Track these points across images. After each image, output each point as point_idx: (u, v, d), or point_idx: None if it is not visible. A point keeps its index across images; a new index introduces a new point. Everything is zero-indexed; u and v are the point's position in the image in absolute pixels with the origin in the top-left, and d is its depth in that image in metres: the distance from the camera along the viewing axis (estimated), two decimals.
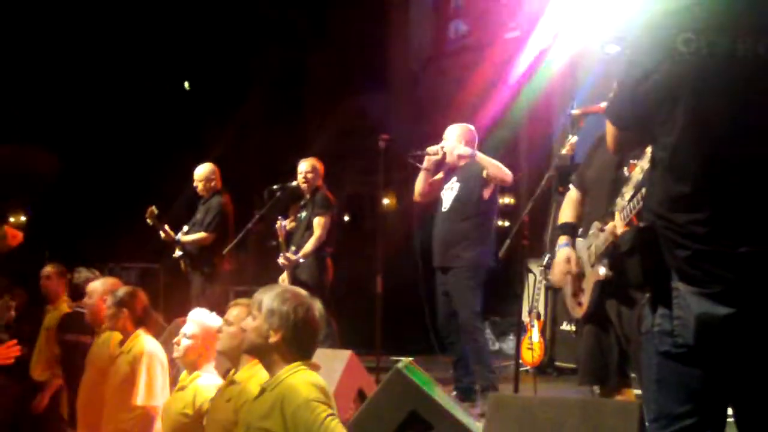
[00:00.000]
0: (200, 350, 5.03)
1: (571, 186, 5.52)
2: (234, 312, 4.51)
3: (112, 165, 13.61)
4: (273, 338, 3.73)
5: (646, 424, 3.16)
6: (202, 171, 9.05)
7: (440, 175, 7.65)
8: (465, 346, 7.28)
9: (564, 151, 5.87)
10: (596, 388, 6.72)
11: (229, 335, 4.51)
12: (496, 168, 7.28)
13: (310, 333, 3.81)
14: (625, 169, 4.90)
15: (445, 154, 7.45)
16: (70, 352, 6.52)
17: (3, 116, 12.80)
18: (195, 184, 9.02)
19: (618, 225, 4.75)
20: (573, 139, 5.75)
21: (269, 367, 3.82)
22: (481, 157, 7.35)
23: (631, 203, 4.63)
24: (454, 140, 7.47)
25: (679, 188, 2.97)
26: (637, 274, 3.09)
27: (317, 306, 3.87)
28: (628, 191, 4.73)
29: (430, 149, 7.50)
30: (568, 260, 5.11)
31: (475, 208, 7.34)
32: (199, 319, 5.10)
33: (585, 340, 5.19)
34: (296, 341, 3.76)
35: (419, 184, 7.65)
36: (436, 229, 7.56)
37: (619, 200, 4.78)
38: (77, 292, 6.27)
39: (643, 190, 4.65)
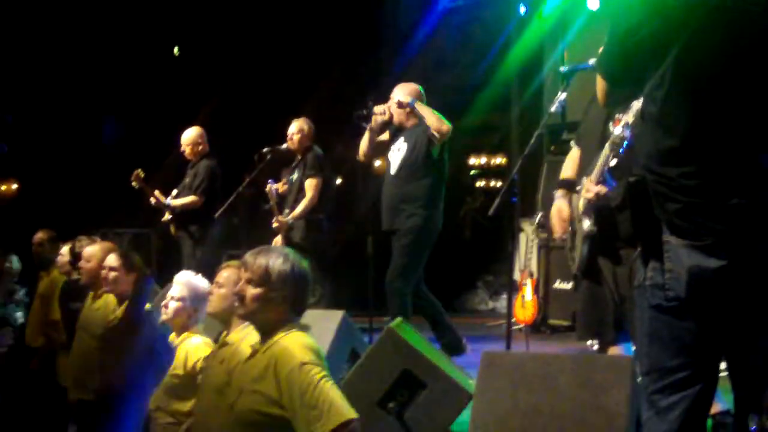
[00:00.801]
0: (189, 312, 5.04)
1: (572, 143, 5.51)
2: (225, 274, 4.51)
3: (102, 130, 13.58)
4: (281, 306, 3.72)
5: (639, 378, 3.17)
6: (190, 135, 9.03)
7: (386, 135, 7.55)
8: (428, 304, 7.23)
9: (553, 109, 5.85)
10: (594, 343, 6.77)
11: (221, 297, 4.51)
12: (434, 118, 7.11)
13: (305, 294, 3.81)
14: (611, 124, 4.89)
15: (391, 114, 7.36)
16: (74, 319, 6.53)
17: None
18: (182, 148, 9.00)
19: (588, 184, 4.75)
20: (562, 96, 5.74)
21: (262, 329, 3.80)
22: (419, 106, 7.20)
23: (600, 161, 4.64)
24: (402, 99, 7.33)
25: (669, 141, 2.97)
26: (628, 228, 3.09)
27: (306, 264, 3.86)
28: (606, 148, 4.73)
29: (377, 108, 7.39)
30: (560, 212, 5.11)
31: (423, 169, 7.21)
32: (185, 280, 5.11)
33: (581, 296, 5.21)
34: (292, 303, 3.75)
35: (363, 144, 7.55)
36: (384, 191, 7.42)
37: (602, 156, 4.77)
38: (79, 260, 6.27)
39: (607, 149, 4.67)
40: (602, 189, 4.65)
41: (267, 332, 3.75)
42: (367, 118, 7.44)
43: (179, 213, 8.83)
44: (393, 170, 7.33)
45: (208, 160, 8.99)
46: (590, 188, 4.73)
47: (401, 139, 7.35)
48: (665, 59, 2.95)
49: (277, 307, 3.71)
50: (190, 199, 8.78)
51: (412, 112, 7.26)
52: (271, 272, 3.71)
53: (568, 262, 5.36)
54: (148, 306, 5.30)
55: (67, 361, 6.61)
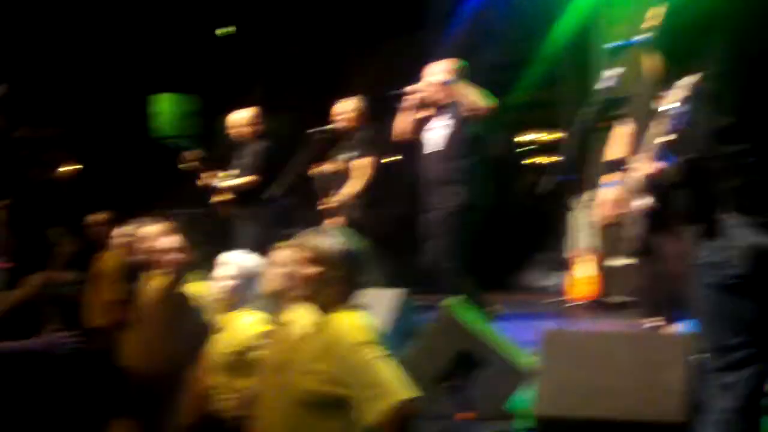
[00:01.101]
0: (237, 290, 5.07)
1: (617, 122, 5.47)
2: (279, 254, 4.51)
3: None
4: (335, 286, 3.74)
5: (700, 356, 3.18)
6: (245, 116, 9.09)
7: (421, 114, 7.51)
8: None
9: (599, 86, 5.81)
10: (653, 321, 6.72)
11: (277, 277, 4.53)
12: (471, 97, 7.09)
13: (359, 274, 3.82)
14: (657, 101, 4.85)
15: (425, 93, 7.33)
16: (133, 298, 6.61)
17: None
18: (238, 129, 9.06)
19: (642, 162, 4.70)
20: (608, 73, 5.70)
21: (316, 308, 3.83)
22: (456, 84, 7.18)
23: (653, 137, 4.59)
24: (441, 77, 7.30)
25: (725, 119, 2.95)
26: (686, 207, 3.08)
27: (362, 245, 3.87)
28: (655, 125, 4.69)
29: (408, 89, 7.37)
30: (612, 196, 5.07)
31: (462, 148, 7.19)
32: (236, 260, 5.14)
33: (643, 274, 5.18)
34: (351, 284, 3.76)
35: (397, 123, 7.54)
36: (423, 171, 7.42)
37: (653, 131, 4.73)
38: (136, 241, 6.34)
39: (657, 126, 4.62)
40: (662, 165, 4.61)
41: (323, 312, 3.77)
42: (399, 98, 7.42)
43: (234, 193, 8.87)
44: (430, 149, 7.31)
45: (263, 141, 9.04)
46: (649, 165, 4.68)
47: (437, 117, 7.30)
48: (720, 37, 2.93)
49: (333, 287, 3.73)
50: (245, 179, 8.85)
51: (449, 90, 7.22)
52: (326, 252, 3.73)
53: (623, 242, 5.33)
54: None
55: (127, 340, 6.70)
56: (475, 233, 7.25)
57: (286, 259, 4.37)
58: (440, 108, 7.32)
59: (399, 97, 7.42)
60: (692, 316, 3.79)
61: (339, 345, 3.59)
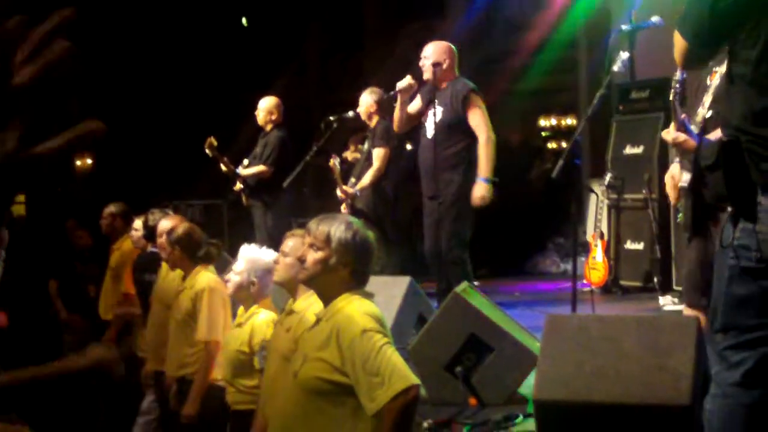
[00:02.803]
0: (250, 285, 5.08)
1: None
2: (290, 243, 4.51)
3: (174, 103, 13.73)
4: (341, 272, 3.73)
5: (713, 334, 3.20)
6: (266, 103, 9.15)
7: (418, 101, 7.50)
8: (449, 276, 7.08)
9: (616, 68, 5.77)
10: (674, 302, 6.68)
11: (286, 266, 4.53)
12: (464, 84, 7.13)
13: (368, 263, 3.81)
14: (708, 77, 4.83)
15: (418, 81, 7.31)
16: (148, 291, 6.65)
17: None
18: (256, 113, 9.11)
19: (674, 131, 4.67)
20: (625, 55, 5.66)
21: (325, 297, 3.83)
22: (450, 70, 7.19)
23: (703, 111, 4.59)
24: (435, 59, 7.25)
25: (764, 102, 2.95)
26: (721, 189, 3.08)
27: (371, 235, 3.88)
28: (707, 99, 4.68)
29: (399, 84, 7.36)
30: (672, 177, 5.05)
31: (460, 133, 7.14)
32: (246, 254, 5.14)
33: (690, 255, 5.16)
34: (357, 272, 3.77)
35: (396, 115, 7.54)
36: (421, 157, 7.40)
37: (700, 110, 4.72)
38: (154, 234, 6.37)
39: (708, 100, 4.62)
40: (681, 136, 4.57)
41: (329, 299, 3.77)
42: (393, 97, 7.49)
43: (251, 182, 8.94)
44: (429, 134, 7.28)
45: (280, 131, 9.08)
46: (675, 134, 4.66)
47: (435, 102, 7.25)
48: (760, 19, 2.93)
49: (338, 272, 3.72)
50: (259, 168, 8.89)
51: (446, 72, 7.21)
52: (332, 237, 3.72)
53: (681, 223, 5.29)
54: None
55: (144, 332, 6.75)
56: (473, 220, 7.22)
57: (295, 247, 4.38)
58: (436, 91, 7.30)
59: (395, 98, 7.46)
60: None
61: (344, 333, 3.59)
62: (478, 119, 7.08)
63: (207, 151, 8.88)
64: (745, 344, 3.09)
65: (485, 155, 7.02)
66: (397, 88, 7.38)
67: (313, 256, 3.75)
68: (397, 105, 7.47)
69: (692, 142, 4.56)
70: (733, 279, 3.09)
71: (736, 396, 3.10)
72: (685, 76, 4.59)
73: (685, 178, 4.84)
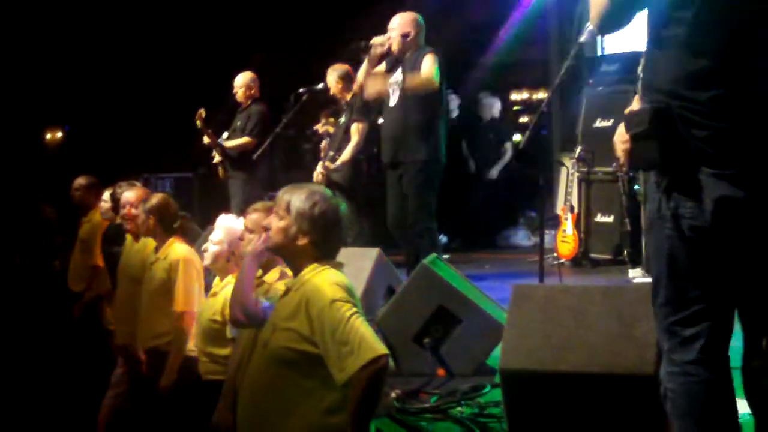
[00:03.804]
0: (227, 255, 5.08)
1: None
2: (253, 217, 4.51)
3: (145, 76, 13.63)
4: (301, 241, 3.74)
5: (657, 309, 3.14)
6: (243, 79, 9.22)
7: (382, 66, 7.47)
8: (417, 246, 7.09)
9: (582, 39, 5.75)
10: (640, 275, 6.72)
11: (251, 241, 4.53)
12: (428, 56, 7.04)
13: (336, 234, 3.79)
14: None
15: (391, 45, 7.26)
16: (116, 263, 6.64)
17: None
18: (235, 90, 9.13)
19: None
20: (591, 26, 5.64)
21: (294, 267, 3.83)
22: (416, 40, 7.15)
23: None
24: (402, 30, 7.25)
25: (700, 63, 2.89)
26: (654, 157, 3.01)
27: (342, 206, 3.86)
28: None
29: (376, 40, 7.31)
30: (621, 140, 5.04)
31: (422, 100, 7.11)
32: (224, 224, 5.14)
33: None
34: (324, 243, 3.75)
35: (360, 75, 7.51)
36: (384, 124, 7.41)
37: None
38: (120, 206, 6.37)
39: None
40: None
41: (296, 269, 3.77)
42: (367, 49, 7.37)
43: (233, 154, 9.01)
44: (392, 102, 7.27)
45: (259, 104, 9.17)
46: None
47: (399, 70, 7.26)
48: None
49: (300, 241, 3.72)
50: (244, 140, 8.99)
51: (412, 42, 7.19)
52: (292, 207, 3.72)
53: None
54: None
55: (112, 305, 6.73)
56: (436, 189, 7.22)
57: (258, 221, 4.37)
58: (401, 60, 7.28)
59: (363, 50, 7.38)
60: (649, 268, 3.77)
61: (313, 303, 3.59)
62: (429, 64, 7.03)
63: (197, 122, 8.90)
64: (692, 317, 3.04)
65: (417, 77, 7.01)
66: (371, 42, 7.33)
67: (276, 224, 3.76)
68: (364, 64, 7.42)
69: None
70: (673, 250, 3.04)
71: (698, 374, 3.04)
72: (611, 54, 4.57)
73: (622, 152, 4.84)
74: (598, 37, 5.83)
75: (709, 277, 3.01)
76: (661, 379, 3.16)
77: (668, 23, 2.97)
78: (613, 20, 3.13)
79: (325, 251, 3.76)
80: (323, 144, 8.24)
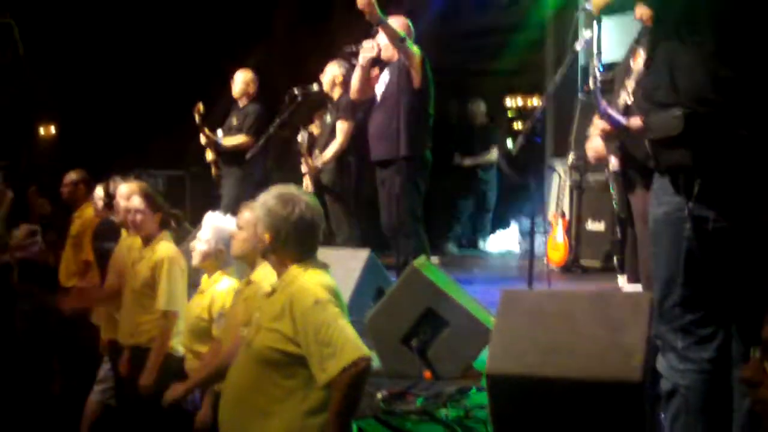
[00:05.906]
0: (216, 253, 5.08)
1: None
2: (245, 216, 4.52)
3: (138, 72, 13.60)
4: (264, 240, 3.75)
5: (671, 309, 3.18)
6: (244, 75, 9.21)
7: (376, 71, 7.49)
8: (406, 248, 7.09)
9: (578, 48, 5.76)
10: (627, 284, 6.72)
11: (242, 240, 4.53)
12: (415, 54, 7.06)
13: (308, 232, 3.78)
14: (631, 58, 4.81)
15: (380, 49, 7.28)
16: (107, 260, 6.61)
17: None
18: (233, 84, 9.12)
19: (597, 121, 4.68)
20: (587, 35, 5.66)
21: (275, 268, 3.85)
22: (406, 43, 7.10)
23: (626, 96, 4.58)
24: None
25: (728, 72, 2.95)
26: (685, 161, 3.03)
27: (313, 204, 3.84)
28: (630, 84, 4.65)
29: (365, 44, 7.32)
30: (595, 150, 5.04)
31: (405, 99, 7.11)
32: (212, 222, 5.14)
33: (628, 239, 5.18)
34: (294, 241, 3.75)
35: (354, 81, 7.52)
36: (371, 122, 7.44)
37: (623, 94, 4.71)
38: (113, 201, 6.34)
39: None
40: (607, 126, 4.59)
41: (279, 270, 3.80)
42: (356, 54, 7.40)
43: (227, 152, 8.99)
44: (378, 101, 7.34)
45: (257, 103, 9.16)
46: (600, 125, 4.67)
47: (386, 71, 7.32)
48: None
49: (285, 247, 3.73)
50: (241, 139, 8.94)
51: (399, 47, 7.21)
52: (263, 208, 3.76)
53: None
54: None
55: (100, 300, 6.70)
56: (423, 188, 7.25)
57: (249, 220, 4.38)
58: (389, 63, 7.31)
59: (353, 54, 7.42)
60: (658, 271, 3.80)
61: (297, 303, 3.60)
62: (411, 53, 7.08)
63: (196, 116, 8.89)
64: (711, 316, 3.11)
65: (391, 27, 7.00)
66: (361, 46, 7.35)
67: (260, 232, 3.79)
68: (357, 68, 7.44)
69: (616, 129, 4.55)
70: (692, 251, 3.09)
71: (716, 372, 3.12)
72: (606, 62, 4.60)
73: (613, 162, 4.85)
74: (594, 45, 5.82)
75: (729, 278, 3.06)
76: (666, 376, 3.21)
77: (695, 30, 3.01)
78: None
79: (299, 250, 3.76)
80: (299, 138, 8.18)
